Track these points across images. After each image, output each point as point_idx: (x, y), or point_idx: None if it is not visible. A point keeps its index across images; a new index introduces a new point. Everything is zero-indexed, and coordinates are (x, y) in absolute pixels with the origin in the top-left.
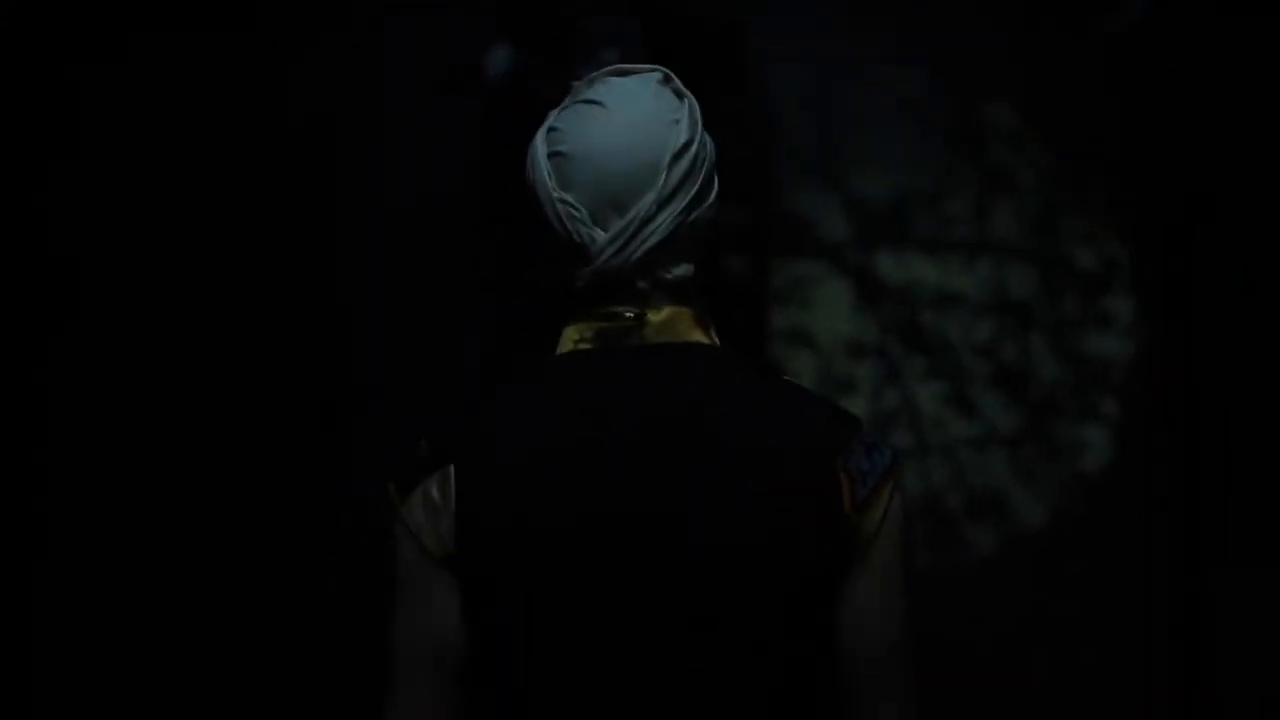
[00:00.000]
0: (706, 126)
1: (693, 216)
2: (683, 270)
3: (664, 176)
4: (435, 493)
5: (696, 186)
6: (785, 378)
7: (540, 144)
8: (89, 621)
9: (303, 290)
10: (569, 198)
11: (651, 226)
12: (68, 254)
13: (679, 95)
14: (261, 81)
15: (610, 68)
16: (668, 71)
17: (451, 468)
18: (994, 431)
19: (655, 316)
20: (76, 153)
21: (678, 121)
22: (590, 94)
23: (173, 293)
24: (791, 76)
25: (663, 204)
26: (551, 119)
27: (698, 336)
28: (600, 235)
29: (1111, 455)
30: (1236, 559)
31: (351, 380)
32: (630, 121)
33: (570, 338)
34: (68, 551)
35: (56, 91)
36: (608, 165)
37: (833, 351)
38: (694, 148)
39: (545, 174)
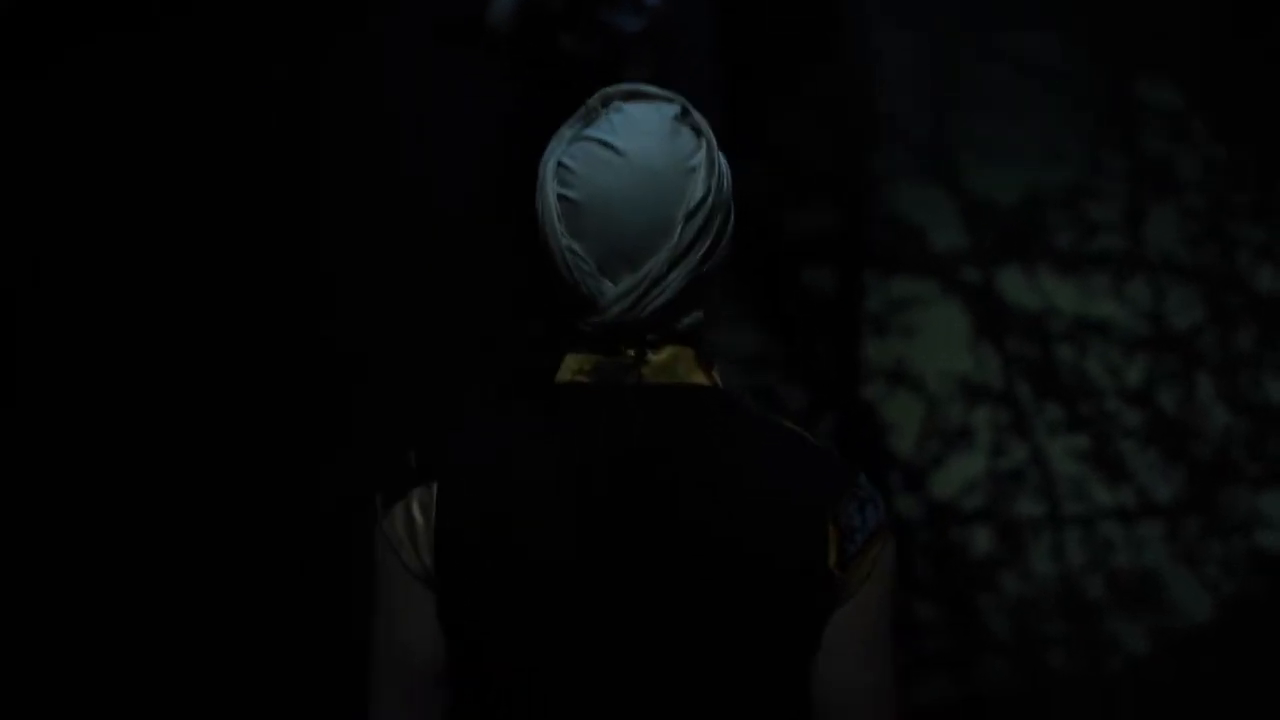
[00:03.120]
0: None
1: (706, 267)
2: (693, 318)
3: (678, 233)
4: (416, 508)
5: (710, 239)
6: (787, 424)
7: (550, 180)
8: (74, 623)
9: (286, 274)
10: (577, 247)
11: (663, 285)
12: (40, 250)
13: (697, 132)
14: (236, 53)
15: (625, 87)
16: (686, 104)
17: (435, 484)
18: (1147, 499)
19: (655, 356)
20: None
21: (694, 170)
22: (604, 131)
23: (153, 293)
24: (896, 43)
25: (675, 262)
26: (561, 150)
27: (698, 378)
28: (609, 289)
29: None
30: None
31: (340, 372)
32: (645, 171)
33: (570, 367)
34: (53, 550)
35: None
36: (620, 218)
37: (942, 394)
38: (710, 200)
39: (554, 217)
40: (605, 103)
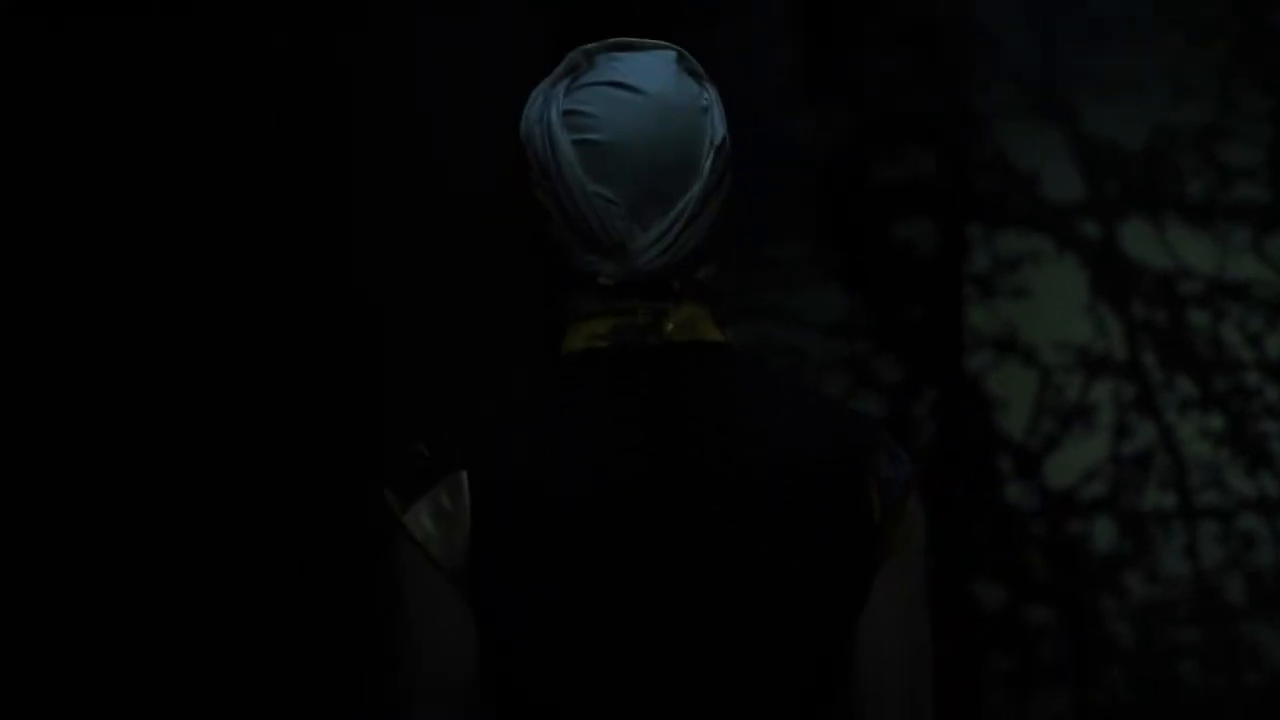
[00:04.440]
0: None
1: (723, 212)
2: (709, 269)
3: (707, 168)
4: (445, 501)
5: (729, 182)
6: (800, 381)
7: (558, 129)
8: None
9: (320, 278)
10: (606, 191)
11: (698, 222)
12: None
13: (696, 77)
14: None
15: (612, 41)
16: (682, 50)
17: (464, 473)
18: None
19: (675, 314)
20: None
21: (708, 109)
22: (613, 74)
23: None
24: None
25: (707, 198)
26: (561, 99)
27: (716, 335)
28: (640, 233)
29: None
30: None
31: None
32: (668, 107)
33: (583, 333)
34: (81, 553)
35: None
36: (650, 156)
37: (1057, 366)
38: (729, 141)
39: (573, 164)
40: (588, 57)
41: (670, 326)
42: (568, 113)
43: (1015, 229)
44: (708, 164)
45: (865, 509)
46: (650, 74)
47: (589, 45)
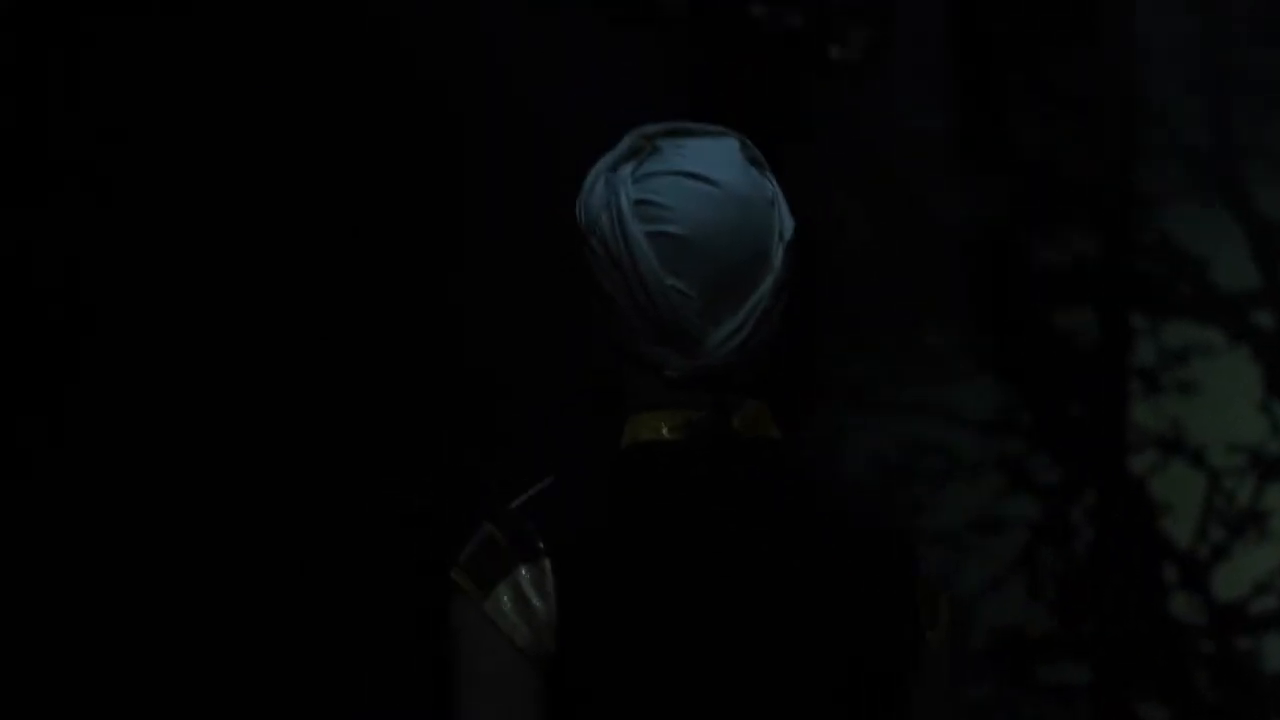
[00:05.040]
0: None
1: (790, 304)
2: (771, 363)
3: (779, 261)
4: (529, 588)
5: (796, 275)
6: (846, 480)
7: (630, 219)
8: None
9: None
10: (682, 285)
11: (770, 315)
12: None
13: (759, 166)
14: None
15: (672, 125)
16: (744, 138)
17: (548, 561)
18: None
19: (742, 410)
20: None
21: (774, 200)
22: (682, 164)
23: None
24: (1167, 29)
25: (779, 292)
26: (629, 186)
27: (775, 432)
28: (713, 327)
29: None
30: None
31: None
32: (741, 200)
33: (648, 425)
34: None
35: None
36: (726, 250)
37: (1227, 468)
38: (797, 233)
39: (649, 256)
40: (650, 142)
41: (736, 423)
42: (639, 202)
43: (1183, 319)
44: (779, 257)
45: (912, 609)
46: (719, 164)
47: (647, 128)
